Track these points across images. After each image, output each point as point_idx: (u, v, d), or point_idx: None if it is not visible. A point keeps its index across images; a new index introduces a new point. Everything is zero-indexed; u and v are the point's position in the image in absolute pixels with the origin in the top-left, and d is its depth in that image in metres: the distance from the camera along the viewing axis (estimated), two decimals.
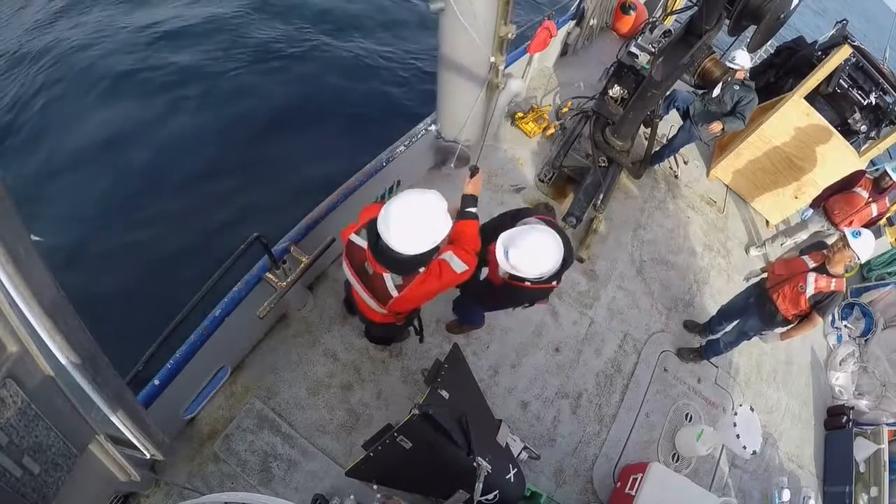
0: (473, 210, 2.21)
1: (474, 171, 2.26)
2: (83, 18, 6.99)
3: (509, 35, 2.30)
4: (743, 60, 4.39)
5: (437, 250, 1.92)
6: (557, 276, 2.33)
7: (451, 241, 2.09)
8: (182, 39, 6.85)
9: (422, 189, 1.85)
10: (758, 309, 3.64)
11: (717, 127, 4.51)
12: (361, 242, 1.97)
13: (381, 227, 1.79)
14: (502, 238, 2.19)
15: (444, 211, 1.84)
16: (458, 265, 1.97)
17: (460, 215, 2.20)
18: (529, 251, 2.13)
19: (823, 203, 4.50)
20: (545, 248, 2.15)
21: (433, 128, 2.54)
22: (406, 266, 1.90)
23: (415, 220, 1.78)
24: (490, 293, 2.55)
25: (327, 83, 6.79)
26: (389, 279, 1.94)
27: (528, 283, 2.29)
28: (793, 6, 2.79)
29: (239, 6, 7.45)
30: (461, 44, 2.24)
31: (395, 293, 1.96)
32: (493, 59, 2.35)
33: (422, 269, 1.94)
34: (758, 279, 3.85)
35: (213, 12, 7.33)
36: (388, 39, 7.91)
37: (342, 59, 7.24)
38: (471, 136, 2.60)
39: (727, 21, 3.07)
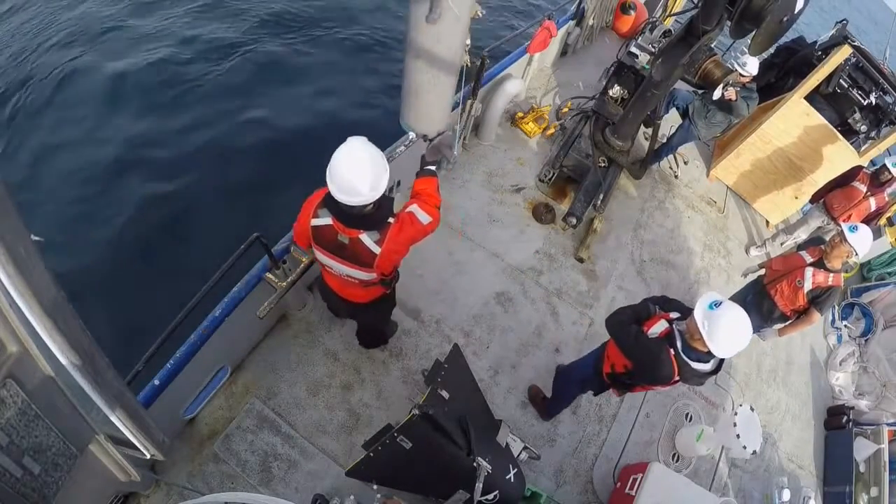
0: (432, 168, 2.33)
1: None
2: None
3: (478, 13, 2.28)
4: (752, 69, 4.36)
5: (391, 200, 2.04)
6: (702, 375, 2.31)
7: (414, 196, 2.21)
8: (188, 37, 6.84)
9: (346, 143, 1.89)
10: (756, 305, 3.65)
11: (731, 93, 4.35)
12: (326, 220, 2.02)
13: (340, 194, 1.84)
14: (711, 298, 2.23)
15: (375, 148, 1.91)
16: (423, 217, 2.09)
17: (420, 173, 2.30)
18: (741, 322, 2.14)
19: (822, 198, 4.52)
20: (748, 325, 2.16)
21: (412, 136, 2.53)
22: (376, 219, 1.98)
23: (364, 168, 1.84)
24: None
25: (333, 83, 6.78)
26: (367, 238, 2.00)
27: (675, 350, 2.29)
28: (797, 10, 2.77)
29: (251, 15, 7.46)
30: (441, 28, 2.15)
31: (377, 249, 2.02)
32: (468, 41, 2.33)
33: (391, 220, 2.03)
34: (755, 276, 3.86)
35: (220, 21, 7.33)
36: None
37: (353, 59, 7.24)
38: (445, 122, 2.63)
39: (728, 23, 3.06)
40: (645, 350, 2.37)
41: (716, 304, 2.20)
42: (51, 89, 5.93)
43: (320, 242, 2.10)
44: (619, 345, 2.51)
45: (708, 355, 2.21)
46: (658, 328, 2.40)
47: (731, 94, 4.36)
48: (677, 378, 2.31)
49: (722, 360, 2.31)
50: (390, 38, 7.79)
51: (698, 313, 2.19)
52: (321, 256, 2.18)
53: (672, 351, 2.28)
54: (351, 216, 1.94)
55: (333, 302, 2.69)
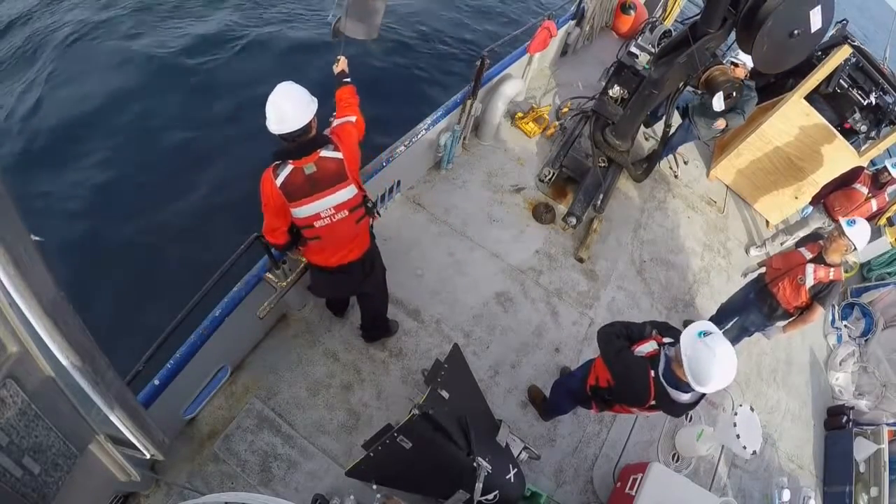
0: (348, 80, 2.64)
1: (338, 59, 2.71)
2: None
3: None
4: (747, 58, 4.34)
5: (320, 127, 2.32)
6: (679, 405, 2.29)
7: (337, 108, 2.54)
8: (201, 34, 6.83)
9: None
10: (759, 304, 3.66)
11: (721, 124, 4.45)
12: (287, 169, 2.21)
13: (281, 124, 2.12)
14: (702, 326, 2.20)
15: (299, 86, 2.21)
16: (348, 119, 2.45)
17: (338, 85, 2.62)
18: (724, 360, 2.11)
19: (823, 200, 4.52)
20: (732, 363, 2.13)
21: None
22: (321, 139, 2.26)
23: (291, 97, 2.14)
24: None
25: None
26: (326, 152, 2.25)
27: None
28: (813, 28, 2.69)
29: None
30: None
31: (339, 154, 2.28)
32: None
33: (330, 136, 2.32)
34: (755, 275, 3.87)
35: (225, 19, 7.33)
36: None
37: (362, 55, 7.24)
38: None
39: (735, 30, 3.04)
40: (625, 365, 2.36)
41: (705, 334, 2.15)
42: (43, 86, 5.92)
43: (296, 193, 2.23)
44: (602, 355, 2.51)
45: (688, 385, 2.17)
46: (646, 348, 2.38)
47: (719, 124, 4.44)
48: (653, 402, 2.28)
49: (702, 395, 2.27)
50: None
51: (685, 338, 2.17)
52: (304, 209, 2.29)
53: (652, 373, 2.25)
54: (302, 147, 2.19)
55: (330, 284, 2.76)
